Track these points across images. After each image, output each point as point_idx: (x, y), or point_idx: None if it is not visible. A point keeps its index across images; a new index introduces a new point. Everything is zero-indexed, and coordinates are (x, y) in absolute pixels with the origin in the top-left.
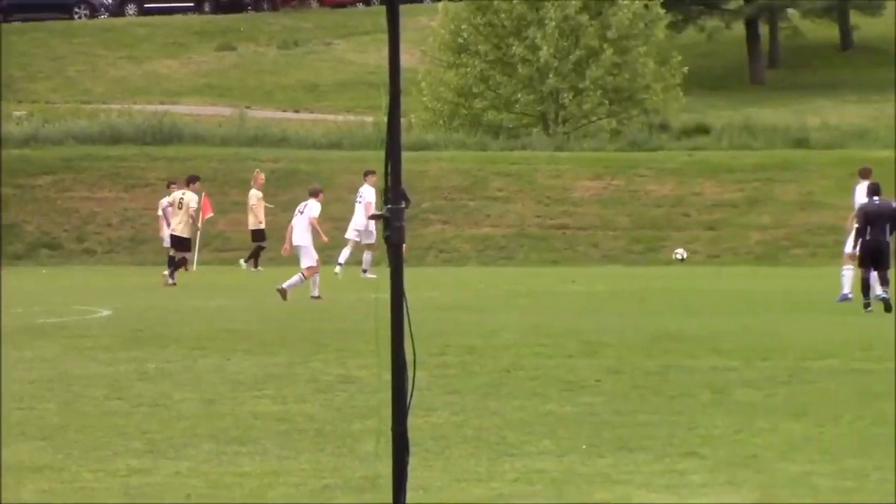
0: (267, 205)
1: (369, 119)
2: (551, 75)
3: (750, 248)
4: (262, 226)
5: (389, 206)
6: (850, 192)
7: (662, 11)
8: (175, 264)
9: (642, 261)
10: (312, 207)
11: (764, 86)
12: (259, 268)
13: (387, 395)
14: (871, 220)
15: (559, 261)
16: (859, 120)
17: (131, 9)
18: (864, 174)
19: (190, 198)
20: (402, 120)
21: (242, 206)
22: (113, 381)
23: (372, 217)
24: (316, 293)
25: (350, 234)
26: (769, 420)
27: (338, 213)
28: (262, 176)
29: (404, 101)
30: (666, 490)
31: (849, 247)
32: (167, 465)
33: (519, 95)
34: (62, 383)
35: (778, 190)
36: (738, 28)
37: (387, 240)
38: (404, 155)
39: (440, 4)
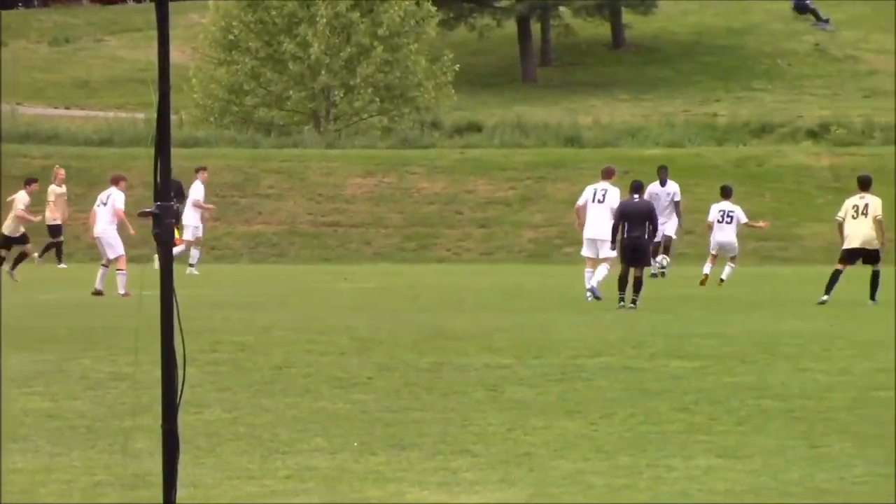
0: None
1: (140, 116)
2: (322, 73)
3: (522, 246)
4: (59, 221)
5: (159, 203)
6: (621, 189)
7: (433, 9)
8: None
9: (414, 258)
10: (116, 198)
11: (536, 84)
12: (63, 264)
13: (158, 392)
14: (629, 217)
15: (331, 258)
16: (631, 118)
17: None
18: (607, 174)
19: (21, 198)
20: (173, 117)
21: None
22: None
23: (141, 214)
24: (99, 287)
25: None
26: (542, 418)
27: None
28: (63, 172)
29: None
30: (438, 487)
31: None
32: None
33: (290, 93)
34: None
35: (550, 188)
36: (510, 26)
37: (156, 237)
38: (176, 152)
39: (211, 2)
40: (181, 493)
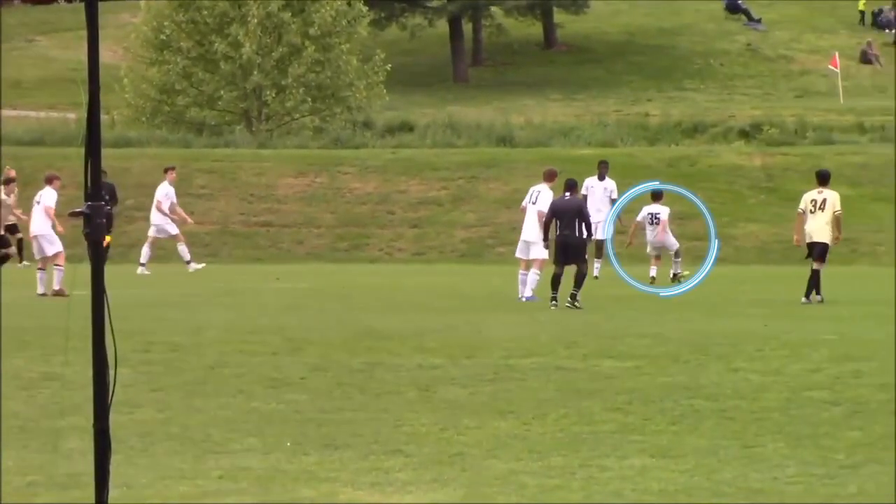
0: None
1: (72, 116)
2: (254, 72)
3: (455, 246)
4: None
5: (90, 203)
6: (553, 189)
7: (365, 9)
8: None
9: (346, 258)
10: (46, 196)
11: (468, 84)
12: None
13: (91, 392)
14: (560, 216)
15: (263, 258)
16: (563, 118)
17: None
18: (547, 176)
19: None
20: (104, 117)
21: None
22: None
23: (72, 214)
24: (41, 290)
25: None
26: (475, 418)
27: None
28: (13, 172)
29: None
30: (371, 488)
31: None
32: None
33: (222, 92)
34: None
35: (482, 188)
36: (442, 26)
37: (87, 237)
38: (107, 152)
39: (142, 2)
40: (114, 493)
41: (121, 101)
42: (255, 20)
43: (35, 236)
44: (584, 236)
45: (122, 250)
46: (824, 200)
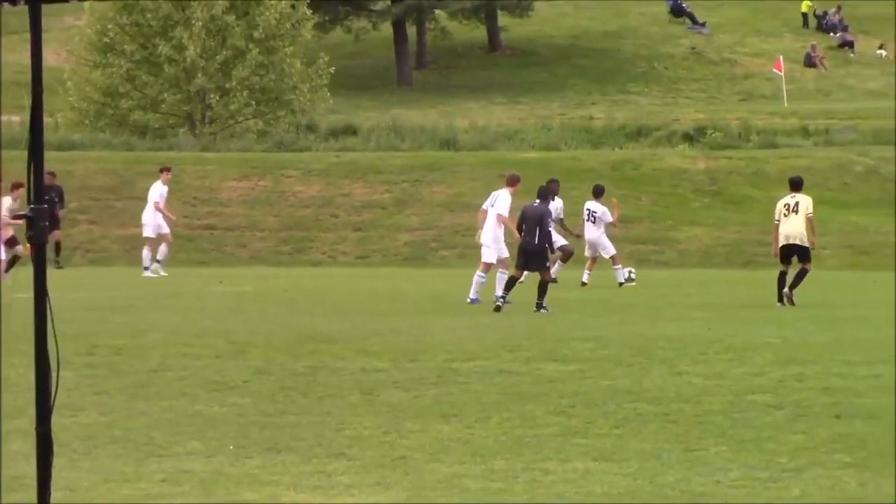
0: None
1: (16, 119)
2: (198, 75)
3: (398, 250)
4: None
5: (33, 205)
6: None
7: (309, 12)
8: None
9: (290, 261)
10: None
11: (412, 87)
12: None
13: (34, 395)
14: (525, 221)
15: (207, 261)
16: (507, 121)
17: None
18: (508, 181)
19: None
20: (48, 120)
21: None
22: None
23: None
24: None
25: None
26: (418, 421)
27: None
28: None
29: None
30: (314, 491)
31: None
32: None
33: (165, 95)
34: None
35: (426, 191)
36: (386, 29)
37: (30, 239)
38: (51, 155)
39: (86, 4)
40: (56, 495)
41: (64, 104)
42: (199, 23)
43: None
44: (544, 244)
45: (66, 253)
46: (797, 203)
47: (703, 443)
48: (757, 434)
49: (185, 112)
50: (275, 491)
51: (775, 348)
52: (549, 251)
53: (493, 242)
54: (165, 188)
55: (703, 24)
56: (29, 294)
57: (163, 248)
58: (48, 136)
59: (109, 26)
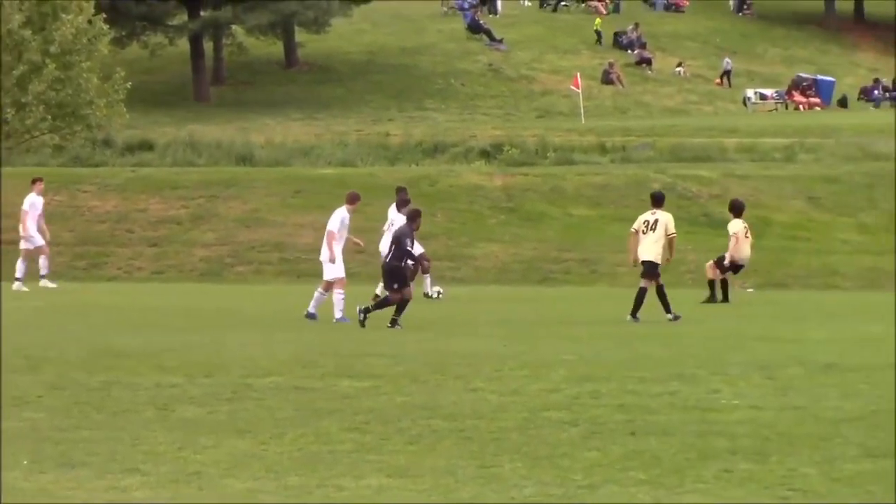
0: None
1: None
2: None
3: (194, 265)
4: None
5: None
6: (293, 208)
7: (106, 27)
8: None
9: (85, 276)
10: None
11: (209, 103)
12: None
13: None
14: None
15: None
16: (304, 137)
17: None
18: (350, 200)
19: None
20: None
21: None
22: None
23: None
24: None
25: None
26: (212, 437)
27: None
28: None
29: None
30: None
31: None
32: None
33: None
34: None
35: (222, 207)
36: (183, 44)
37: None
38: None
39: None
40: None
41: None
42: None
43: None
44: (400, 263)
45: None
46: (656, 221)
47: (498, 459)
48: (552, 451)
49: None
50: None
51: (570, 365)
52: (406, 270)
53: (327, 258)
54: (40, 199)
55: (501, 41)
56: None
57: (42, 261)
58: None
59: None
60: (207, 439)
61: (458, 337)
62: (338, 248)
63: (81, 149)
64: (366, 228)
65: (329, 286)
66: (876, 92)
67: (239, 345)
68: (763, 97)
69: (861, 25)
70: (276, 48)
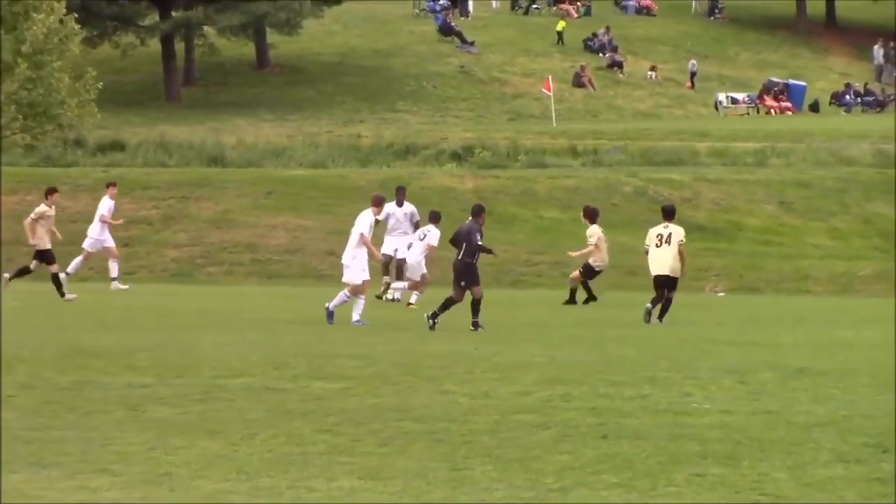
0: None
1: None
2: None
3: (165, 266)
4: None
5: None
6: (264, 209)
7: (77, 27)
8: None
9: None
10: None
11: (180, 103)
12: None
13: None
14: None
15: None
16: (275, 138)
17: None
18: (375, 203)
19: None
20: None
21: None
22: None
23: None
24: None
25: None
26: (184, 438)
27: None
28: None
29: None
30: None
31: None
32: None
33: None
34: None
35: (193, 207)
36: (154, 44)
37: None
38: None
39: None
40: None
41: None
42: None
43: None
44: (473, 260)
45: None
46: (670, 235)
47: (469, 462)
48: (523, 454)
49: None
50: None
51: (542, 368)
52: (476, 267)
53: (353, 262)
54: (112, 202)
55: (472, 44)
56: None
57: (112, 264)
58: None
59: None
60: (178, 440)
61: (430, 339)
62: (361, 252)
63: (53, 148)
64: (338, 230)
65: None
66: (847, 97)
67: (210, 345)
68: (734, 101)
69: (833, 30)
70: (248, 49)
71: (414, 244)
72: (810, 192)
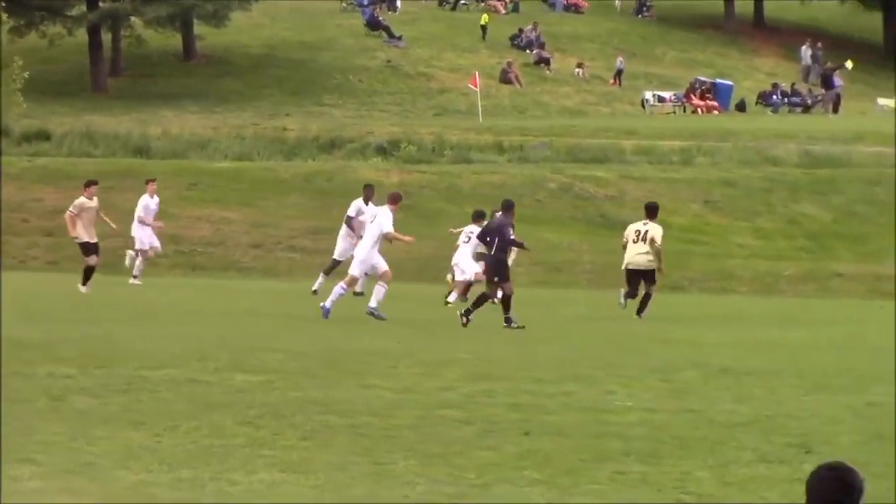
0: None
1: None
2: None
3: None
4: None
5: None
6: (189, 201)
7: (4, 16)
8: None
9: None
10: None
11: (106, 94)
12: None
13: None
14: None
15: None
16: (201, 130)
17: None
18: (392, 200)
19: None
20: None
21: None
22: None
23: None
24: None
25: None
26: (106, 428)
27: None
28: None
29: None
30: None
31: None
32: None
33: None
34: None
35: (118, 198)
36: (81, 35)
37: None
38: None
39: None
40: None
41: None
42: None
43: None
44: (505, 255)
45: None
46: (647, 232)
47: (391, 456)
48: (445, 449)
49: None
50: None
51: (466, 364)
52: (507, 263)
53: (363, 256)
54: (153, 200)
55: (400, 38)
56: None
57: (138, 262)
58: None
59: None
60: (101, 430)
61: (354, 334)
62: (375, 249)
63: None
64: (262, 223)
65: (354, 281)
66: (774, 97)
67: (135, 337)
68: (661, 100)
69: (761, 30)
70: (175, 41)
71: (461, 246)
72: (736, 192)
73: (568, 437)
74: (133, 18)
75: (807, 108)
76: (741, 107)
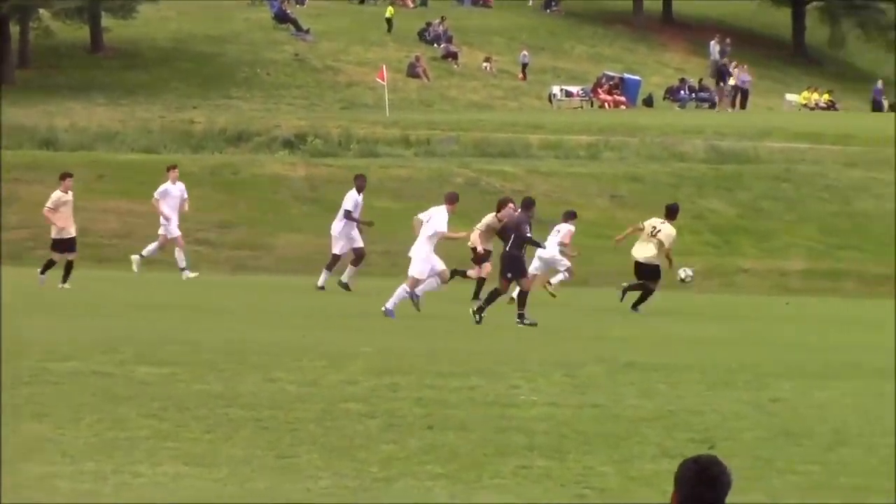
0: None
1: None
2: None
3: None
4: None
5: None
6: (96, 193)
7: None
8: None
9: None
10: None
11: (13, 86)
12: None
13: None
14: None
15: None
16: (108, 122)
17: None
18: (450, 200)
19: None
20: None
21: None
22: None
23: None
24: None
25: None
26: (9, 420)
27: None
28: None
29: None
30: None
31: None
32: None
33: None
34: None
35: (24, 190)
36: None
37: None
38: None
39: None
40: None
41: None
42: None
43: None
44: (520, 252)
45: None
46: (658, 232)
47: (295, 450)
48: (349, 442)
49: None
50: None
51: (369, 357)
52: (523, 259)
53: (424, 256)
54: (175, 187)
55: (308, 31)
56: None
57: (152, 247)
58: None
59: None
60: (5, 422)
61: (258, 327)
62: (429, 247)
63: None
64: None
65: (416, 283)
66: (682, 92)
67: (39, 329)
68: (569, 94)
69: (670, 26)
70: (83, 33)
71: (550, 238)
72: (643, 187)
73: (471, 431)
74: (41, 10)
75: (714, 104)
76: (648, 102)
